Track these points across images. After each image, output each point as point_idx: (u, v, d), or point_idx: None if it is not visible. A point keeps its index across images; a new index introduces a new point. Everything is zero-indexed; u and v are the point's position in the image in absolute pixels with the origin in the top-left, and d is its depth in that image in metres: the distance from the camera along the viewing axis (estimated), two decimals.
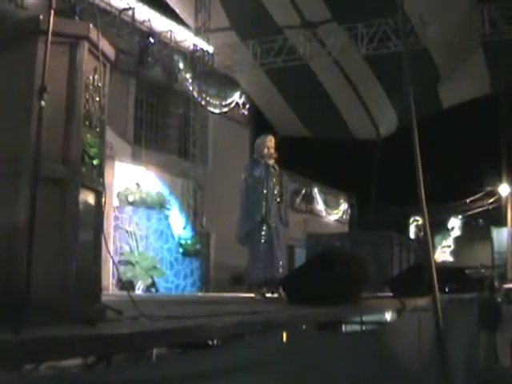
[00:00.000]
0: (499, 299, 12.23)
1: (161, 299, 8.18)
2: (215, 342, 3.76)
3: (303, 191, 24.75)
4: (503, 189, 26.62)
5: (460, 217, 32.76)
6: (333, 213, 27.62)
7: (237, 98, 19.03)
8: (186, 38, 16.87)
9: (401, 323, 6.30)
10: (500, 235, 27.98)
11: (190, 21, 17.05)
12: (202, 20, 16.89)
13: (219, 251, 17.82)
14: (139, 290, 13.80)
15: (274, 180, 7.50)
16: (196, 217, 16.94)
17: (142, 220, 14.92)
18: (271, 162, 7.56)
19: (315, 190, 25.81)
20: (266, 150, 7.59)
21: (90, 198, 3.16)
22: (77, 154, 2.99)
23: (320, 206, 26.41)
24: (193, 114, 17.25)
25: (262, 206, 7.29)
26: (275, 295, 7.01)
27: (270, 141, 7.70)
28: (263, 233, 7.25)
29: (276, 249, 7.28)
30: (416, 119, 5.13)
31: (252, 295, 7.30)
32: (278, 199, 7.44)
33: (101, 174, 3.21)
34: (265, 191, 7.35)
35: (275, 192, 7.44)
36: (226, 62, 17.24)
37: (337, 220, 27.89)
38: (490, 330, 10.63)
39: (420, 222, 29.25)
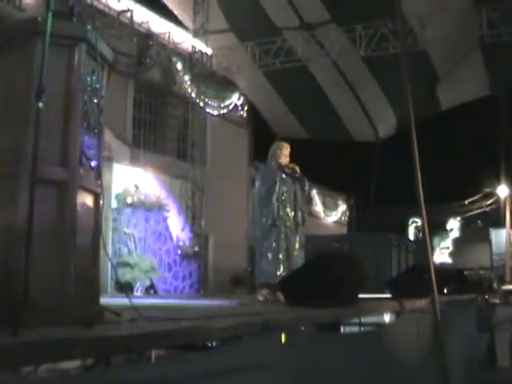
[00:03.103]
0: (497, 300, 12.22)
1: (159, 301, 8.17)
2: (214, 343, 3.75)
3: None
4: (502, 190, 26.58)
5: (459, 218, 32.70)
6: (331, 214, 27.61)
7: (235, 99, 19.02)
8: (185, 39, 16.86)
9: (400, 324, 6.30)
10: (498, 237, 27.90)
11: (188, 22, 17.03)
12: (200, 22, 16.87)
13: (217, 253, 17.80)
14: (138, 291, 13.79)
15: (288, 186, 7.50)
16: (194, 218, 16.92)
17: (141, 222, 14.91)
18: (289, 169, 7.55)
19: (314, 192, 25.79)
20: (283, 158, 7.60)
21: (88, 200, 3.16)
22: (75, 156, 2.99)
23: (318, 207, 26.40)
24: (191, 116, 17.23)
25: (273, 211, 7.31)
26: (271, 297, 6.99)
27: (286, 149, 7.71)
28: (273, 237, 7.26)
29: (281, 257, 7.27)
30: (414, 121, 5.13)
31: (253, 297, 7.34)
32: (286, 208, 7.44)
33: (99, 176, 3.21)
34: (275, 197, 7.36)
35: (289, 202, 7.44)
36: (224, 63, 17.23)
37: (335, 222, 27.88)
38: (484, 331, 10.64)
39: (419, 223, 29.25)
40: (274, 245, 7.26)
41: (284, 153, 7.66)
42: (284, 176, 7.49)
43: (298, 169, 7.59)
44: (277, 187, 7.39)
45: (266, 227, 7.28)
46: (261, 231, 7.35)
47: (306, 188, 7.76)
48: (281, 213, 7.33)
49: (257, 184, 7.69)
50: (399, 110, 17.15)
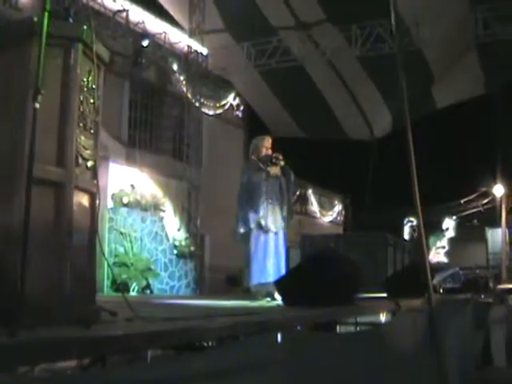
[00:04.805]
0: (490, 299, 12.23)
1: (155, 301, 8.16)
2: (210, 343, 3.75)
3: (297, 192, 24.75)
4: (497, 190, 26.67)
5: (454, 217, 32.72)
6: (327, 214, 27.63)
7: (231, 99, 19.03)
8: (181, 39, 16.85)
9: (396, 324, 6.31)
10: (494, 236, 27.98)
11: (184, 22, 17.03)
12: (196, 22, 16.86)
13: (213, 253, 17.81)
14: (134, 291, 13.78)
15: (273, 180, 7.35)
16: (190, 218, 16.92)
17: (137, 222, 14.90)
18: (271, 161, 7.39)
19: (309, 191, 25.81)
20: (264, 151, 7.48)
21: (85, 200, 3.16)
22: (71, 156, 2.99)
23: (314, 207, 26.41)
24: (187, 116, 17.23)
25: (258, 207, 7.15)
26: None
27: (268, 141, 7.55)
28: (257, 238, 7.10)
29: (270, 256, 7.10)
30: (410, 120, 5.15)
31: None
32: (272, 202, 7.27)
33: (95, 176, 3.22)
34: (261, 196, 7.19)
35: (274, 196, 7.29)
36: (220, 63, 17.23)
37: (331, 221, 27.89)
38: (479, 330, 10.64)
39: (414, 222, 29.28)
40: (261, 243, 7.09)
41: (265, 145, 7.48)
42: (268, 169, 7.33)
43: (281, 157, 7.41)
44: (261, 182, 7.21)
45: (253, 225, 7.12)
46: (246, 230, 7.19)
47: (292, 178, 7.57)
48: (267, 209, 7.16)
49: (240, 181, 7.43)
50: (395, 109, 17.18)
